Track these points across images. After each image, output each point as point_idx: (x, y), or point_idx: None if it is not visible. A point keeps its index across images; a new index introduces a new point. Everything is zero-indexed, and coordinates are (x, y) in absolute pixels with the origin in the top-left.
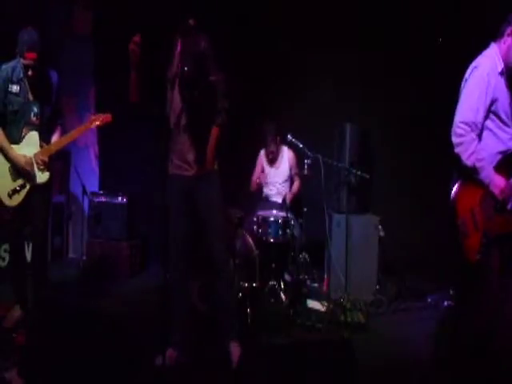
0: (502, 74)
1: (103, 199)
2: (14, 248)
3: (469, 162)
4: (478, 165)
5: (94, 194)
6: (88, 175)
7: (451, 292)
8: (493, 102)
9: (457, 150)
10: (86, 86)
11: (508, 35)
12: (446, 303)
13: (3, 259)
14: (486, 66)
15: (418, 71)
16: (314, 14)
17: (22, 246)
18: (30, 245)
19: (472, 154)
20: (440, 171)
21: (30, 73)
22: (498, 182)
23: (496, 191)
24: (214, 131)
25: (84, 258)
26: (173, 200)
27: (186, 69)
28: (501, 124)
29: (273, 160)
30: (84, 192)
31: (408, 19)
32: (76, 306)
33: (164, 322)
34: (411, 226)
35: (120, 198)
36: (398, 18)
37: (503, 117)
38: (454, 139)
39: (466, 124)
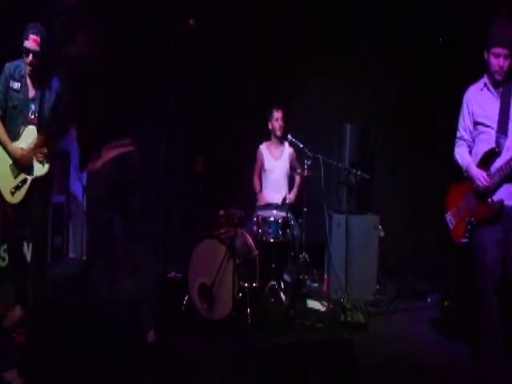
0: (484, 86)
1: None
2: (13, 248)
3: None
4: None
5: None
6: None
7: (451, 292)
8: (472, 114)
9: None
10: None
11: (486, 56)
12: (446, 303)
13: (3, 259)
14: (469, 89)
15: (418, 71)
16: (314, 13)
17: (21, 246)
18: (30, 245)
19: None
20: (440, 171)
21: (30, 58)
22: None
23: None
24: None
25: (84, 257)
26: None
27: None
28: (483, 128)
29: (277, 147)
30: (84, 192)
31: (408, 19)
32: (76, 306)
33: None
34: (411, 226)
35: None
36: (398, 18)
37: (485, 122)
38: None
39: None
